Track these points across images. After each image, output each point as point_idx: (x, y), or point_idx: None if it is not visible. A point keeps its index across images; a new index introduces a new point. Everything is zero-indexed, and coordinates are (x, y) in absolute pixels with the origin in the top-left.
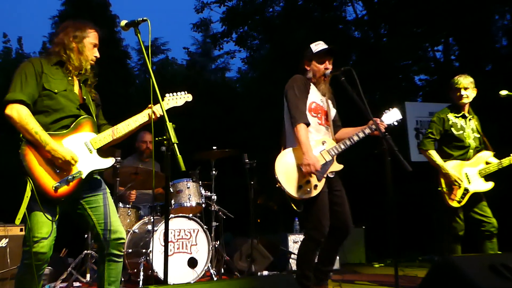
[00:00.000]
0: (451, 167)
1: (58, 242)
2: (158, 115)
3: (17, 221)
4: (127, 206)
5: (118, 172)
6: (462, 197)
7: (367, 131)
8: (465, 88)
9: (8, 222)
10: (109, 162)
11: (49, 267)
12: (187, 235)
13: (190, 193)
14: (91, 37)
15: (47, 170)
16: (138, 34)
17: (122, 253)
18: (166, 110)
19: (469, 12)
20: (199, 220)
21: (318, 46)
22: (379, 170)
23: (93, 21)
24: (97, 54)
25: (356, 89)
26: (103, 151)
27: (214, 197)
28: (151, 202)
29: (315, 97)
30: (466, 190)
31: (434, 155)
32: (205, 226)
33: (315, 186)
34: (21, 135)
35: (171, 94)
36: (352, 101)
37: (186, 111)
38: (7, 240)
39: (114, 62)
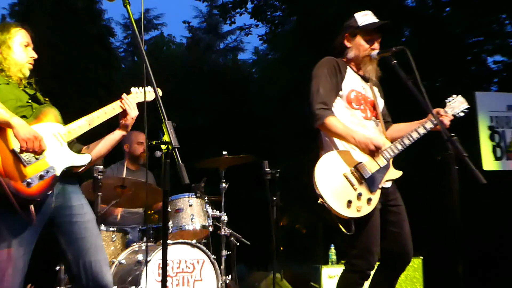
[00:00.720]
0: None
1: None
2: (129, 109)
3: None
4: (111, 229)
5: (100, 185)
6: None
7: (429, 125)
8: None
9: None
10: (86, 158)
11: None
12: (189, 268)
13: (193, 212)
14: (19, 36)
15: (14, 163)
16: (128, 5)
17: None
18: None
19: None
20: (205, 248)
21: (365, 18)
22: (440, 181)
23: None
24: (33, 54)
25: (411, 75)
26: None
27: (225, 217)
28: (142, 224)
29: (355, 83)
30: None
31: None
32: (212, 256)
33: (369, 200)
34: None
35: (136, 88)
36: (405, 90)
37: (187, 104)
38: None
39: (93, 41)
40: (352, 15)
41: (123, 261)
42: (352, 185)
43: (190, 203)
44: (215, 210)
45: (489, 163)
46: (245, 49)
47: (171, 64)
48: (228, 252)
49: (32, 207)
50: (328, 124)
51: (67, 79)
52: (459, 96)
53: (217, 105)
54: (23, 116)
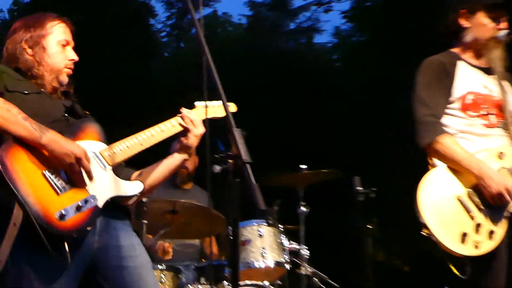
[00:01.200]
0: None
1: None
2: (192, 126)
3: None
4: (160, 267)
5: (145, 210)
6: None
7: None
8: None
9: None
10: (137, 187)
11: None
12: None
13: (265, 245)
14: (57, 33)
15: (45, 188)
16: None
17: None
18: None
19: None
20: None
21: None
22: None
23: None
24: (73, 56)
25: None
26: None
27: (305, 251)
28: (198, 261)
29: (473, 82)
30: None
31: None
32: None
33: (491, 232)
34: None
35: (202, 102)
36: None
37: (247, 101)
38: None
39: (127, 23)
40: None
41: None
42: (469, 212)
43: (260, 233)
44: (292, 242)
45: None
46: (322, 30)
47: (227, 51)
48: None
49: (66, 246)
50: (442, 144)
51: (93, 72)
52: None
53: (287, 102)
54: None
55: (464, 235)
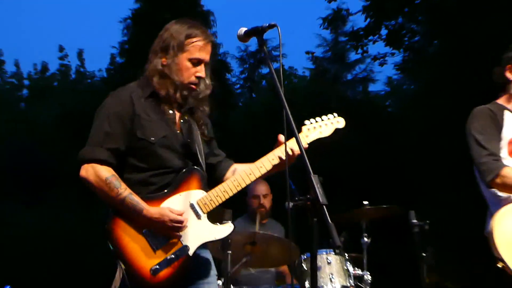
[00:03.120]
0: None
1: None
2: (291, 154)
3: None
4: None
5: (229, 243)
6: None
7: None
8: None
9: None
10: (227, 229)
11: None
12: None
13: (333, 271)
14: (192, 50)
15: (144, 248)
16: (265, 47)
17: None
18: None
19: None
20: None
21: None
22: None
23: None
24: (201, 74)
25: None
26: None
27: (368, 277)
28: (274, 285)
29: None
30: None
31: None
32: None
33: None
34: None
35: (311, 120)
36: None
37: (314, 144)
38: None
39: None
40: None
41: None
42: None
43: (328, 261)
44: (356, 269)
45: None
46: (376, 80)
47: (294, 99)
48: None
49: None
50: (505, 175)
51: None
52: None
53: (350, 145)
54: (163, 186)
55: None
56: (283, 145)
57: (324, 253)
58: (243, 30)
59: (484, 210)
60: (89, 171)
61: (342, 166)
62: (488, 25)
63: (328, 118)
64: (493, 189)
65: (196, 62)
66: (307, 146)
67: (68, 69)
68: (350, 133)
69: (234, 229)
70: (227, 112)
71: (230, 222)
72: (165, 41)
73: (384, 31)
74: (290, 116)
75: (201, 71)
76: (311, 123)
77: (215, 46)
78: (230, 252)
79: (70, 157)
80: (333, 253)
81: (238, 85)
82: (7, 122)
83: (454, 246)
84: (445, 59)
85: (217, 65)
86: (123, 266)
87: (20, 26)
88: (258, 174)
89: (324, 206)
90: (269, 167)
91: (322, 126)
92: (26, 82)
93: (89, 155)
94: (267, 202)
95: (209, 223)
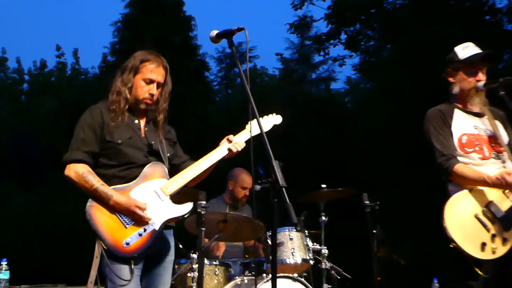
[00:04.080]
0: None
1: None
2: (238, 149)
3: (90, 285)
4: (214, 263)
5: (203, 220)
6: None
7: None
8: None
9: (72, 283)
10: (185, 208)
11: None
12: None
13: (294, 246)
14: (144, 71)
15: (116, 225)
16: (233, 48)
17: None
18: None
19: None
20: (306, 282)
21: (466, 50)
22: None
23: (165, 25)
24: (153, 91)
25: None
26: (183, 195)
27: (325, 251)
28: (243, 257)
29: (465, 125)
30: None
31: None
32: None
33: (504, 240)
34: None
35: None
36: None
37: (282, 135)
38: None
39: (190, 76)
40: (452, 50)
41: None
42: (485, 226)
43: (290, 237)
44: (315, 244)
45: None
46: (337, 79)
47: (265, 96)
48: (330, 286)
49: (132, 262)
50: (457, 171)
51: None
52: None
53: (313, 137)
54: (132, 179)
55: (483, 244)
56: (225, 141)
57: (287, 230)
58: (214, 32)
59: (427, 195)
60: (70, 169)
61: (305, 154)
62: (436, 32)
63: (269, 116)
64: (453, 182)
65: (148, 82)
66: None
67: (65, 66)
68: (314, 125)
69: (200, 207)
70: (206, 106)
71: (190, 203)
72: (125, 64)
73: (343, 36)
74: (255, 109)
75: (153, 89)
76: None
77: (167, 71)
78: (204, 229)
79: (67, 144)
80: (294, 230)
81: (216, 82)
82: (10, 113)
83: (402, 225)
84: (397, 62)
85: (197, 65)
86: (102, 244)
87: (21, 27)
88: (209, 165)
89: (284, 188)
90: (219, 157)
91: (263, 123)
92: (26, 77)
93: (69, 157)
94: (247, 192)
95: (172, 203)
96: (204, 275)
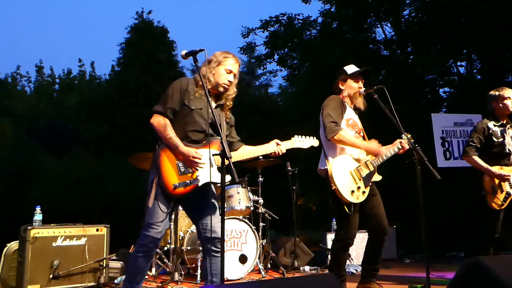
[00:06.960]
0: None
1: (129, 239)
2: (279, 153)
3: (150, 204)
4: None
5: None
6: (504, 201)
7: (395, 149)
8: (509, 98)
9: (86, 223)
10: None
11: (120, 262)
12: (238, 235)
13: (240, 197)
14: (226, 64)
15: (173, 170)
16: (197, 63)
17: (219, 249)
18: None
19: (491, 28)
20: (248, 221)
21: (351, 68)
22: (409, 177)
23: (154, 46)
24: (231, 79)
25: (388, 105)
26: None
27: (261, 200)
28: None
29: (351, 114)
30: (508, 194)
31: (478, 160)
32: (253, 227)
33: (363, 192)
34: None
35: (299, 136)
36: (383, 115)
37: (236, 124)
38: (85, 239)
39: (172, 82)
40: (342, 68)
41: (194, 231)
42: (355, 180)
43: (238, 191)
44: (254, 196)
45: (441, 162)
46: (273, 85)
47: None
48: (264, 224)
49: (172, 201)
50: (342, 135)
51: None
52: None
53: (255, 123)
54: (196, 141)
55: (352, 191)
56: (274, 142)
57: (235, 187)
58: (184, 52)
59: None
60: (155, 118)
61: (249, 136)
62: (336, 55)
63: (310, 138)
64: (331, 142)
65: (228, 72)
66: (284, 151)
67: (84, 73)
68: (255, 116)
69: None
70: None
71: (229, 175)
72: (209, 59)
73: (276, 56)
74: (214, 112)
75: (230, 77)
76: (299, 137)
77: (239, 67)
78: None
79: (86, 128)
80: (240, 186)
81: None
82: (46, 106)
83: (313, 182)
84: (311, 74)
85: (177, 75)
86: (158, 175)
87: (54, 44)
88: (256, 154)
89: (230, 159)
90: (264, 152)
91: (303, 142)
92: (57, 80)
93: (156, 109)
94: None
95: (217, 172)
96: (179, 217)
